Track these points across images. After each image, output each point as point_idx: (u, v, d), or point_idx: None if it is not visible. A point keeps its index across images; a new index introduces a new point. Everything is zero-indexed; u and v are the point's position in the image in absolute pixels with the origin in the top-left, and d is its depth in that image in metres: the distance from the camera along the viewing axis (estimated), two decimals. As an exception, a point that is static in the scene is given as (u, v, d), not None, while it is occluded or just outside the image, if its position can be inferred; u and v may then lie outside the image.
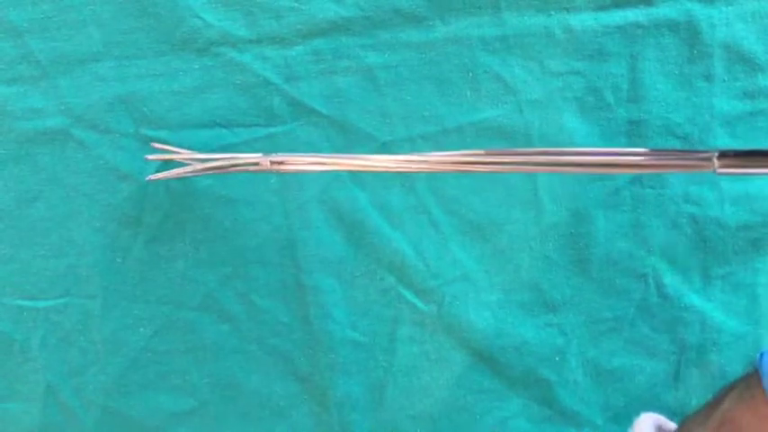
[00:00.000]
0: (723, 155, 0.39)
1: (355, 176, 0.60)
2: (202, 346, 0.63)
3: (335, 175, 0.60)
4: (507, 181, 0.60)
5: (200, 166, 0.49)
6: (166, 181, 0.59)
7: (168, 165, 0.55)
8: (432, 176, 0.60)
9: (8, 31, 0.57)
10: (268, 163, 0.46)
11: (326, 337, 0.63)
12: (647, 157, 0.41)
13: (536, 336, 0.62)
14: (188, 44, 0.58)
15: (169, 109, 0.59)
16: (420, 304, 0.62)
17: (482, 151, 0.45)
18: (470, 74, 0.58)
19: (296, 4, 0.57)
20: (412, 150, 0.59)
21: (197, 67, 0.58)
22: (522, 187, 0.60)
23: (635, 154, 0.41)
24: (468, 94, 0.58)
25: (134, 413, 0.65)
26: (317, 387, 0.64)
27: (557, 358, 0.63)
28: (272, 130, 0.59)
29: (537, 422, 0.64)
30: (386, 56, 0.58)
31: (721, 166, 0.39)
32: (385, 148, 0.59)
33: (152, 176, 0.52)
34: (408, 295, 0.62)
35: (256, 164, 0.46)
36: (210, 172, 0.48)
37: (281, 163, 0.46)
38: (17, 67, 0.58)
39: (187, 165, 0.54)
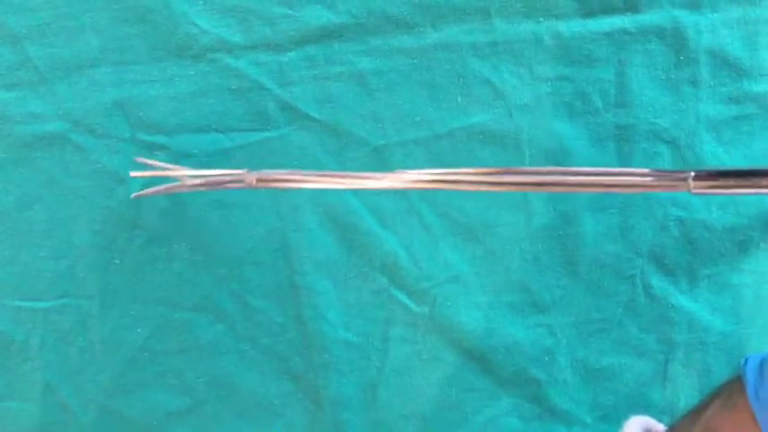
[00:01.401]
0: (698, 176, 0.40)
1: (348, 180, 0.60)
2: (198, 345, 0.64)
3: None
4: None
5: (187, 182, 0.49)
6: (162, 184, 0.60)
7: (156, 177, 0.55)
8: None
9: (7, 37, 0.58)
10: (254, 180, 0.46)
11: (320, 337, 0.63)
12: (623, 177, 0.42)
13: (526, 336, 0.63)
14: (184, 50, 0.58)
15: (165, 114, 0.59)
16: (412, 305, 0.63)
17: (470, 170, 0.45)
18: (461, 79, 0.58)
19: (290, 12, 0.57)
20: (404, 154, 0.60)
21: (193, 72, 0.59)
22: (511, 190, 0.60)
23: (614, 174, 0.42)
24: (459, 99, 0.59)
25: (131, 412, 0.65)
26: (311, 386, 0.64)
27: (546, 358, 0.63)
28: (266, 134, 0.60)
29: (527, 420, 0.65)
30: (378, 62, 0.58)
31: (696, 187, 0.40)
32: (377, 153, 0.60)
33: (137, 194, 0.51)
34: (400, 296, 0.63)
35: (241, 180, 0.46)
36: (196, 189, 0.47)
37: (265, 180, 0.46)
38: (16, 73, 0.59)
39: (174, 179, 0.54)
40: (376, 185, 0.45)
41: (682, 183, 0.40)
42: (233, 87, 0.59)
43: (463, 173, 0.43)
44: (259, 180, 0.45)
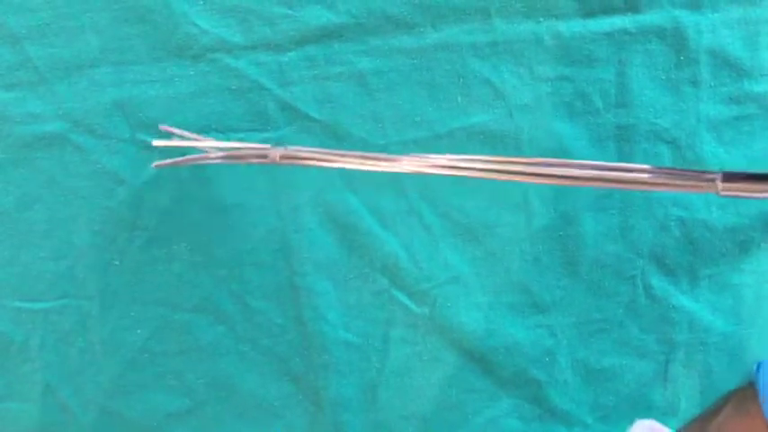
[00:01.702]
0: (727, 177, 0.39)
1: (348, 180, 0.60)
2: (198, 347, 0.64)
3: (329, 178, 0.60)
4: (497, 184, 0.60)
5: (211, 154, 0.48)
6: (162, 184, 0.60)
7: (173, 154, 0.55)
8: (423, 180, 0.61)
9: (6, 37, 0.58)
10: (277, 156, 0.46)
11: (320, 338, 0.63)
12: (650, 175, 0.41)
13: (526, 336, 0.63)
14: (184, 50, 0.58)
15: (165, 114, 0.59)
16: (412, 306, 0.63)
17: (483, 157, 0.45)
18: (461, 79, 0.58)
19: (289, 12, 0.57)
20: (404, 153, 0.59)
21: (193, 72, 0.59)
22: (512, 190, 0.60)
23: (639, 171, 0.41)
24: (459, 99, 0.59)
25: (131, 413, 0.65)
26: (311, 387, 0.64)
27: (547, 358, 0.63)
28: (266, 134, 0.60)
29: (528, 421, 0.65)
30: (378, 62, 0.58)
31: (724, 189, 0.39)
32: (377, 151, 0.60)
33: (159, 163, 0.50)
34: (401, 297, 0.63)
35: (265, 156, 0.45)
36: (220, 162, 0.47)
37: (289, 157, 0.45)
38: (15, 73, 0.59)
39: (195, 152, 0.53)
40: (393, 168, 0.44)
41: (709, 184, 0.39)
42: (233, 87, 0.59)
43: (478, 160, 0.43)
44: (283, 157, 0.45)
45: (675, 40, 0.57)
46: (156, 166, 0.51)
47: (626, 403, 0.64)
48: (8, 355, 0.64)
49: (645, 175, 0.40)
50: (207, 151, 0.47)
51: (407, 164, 0.43)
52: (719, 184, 0.39)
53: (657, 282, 0.61)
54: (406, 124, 0.59)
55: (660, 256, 0.61)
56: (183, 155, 0.54)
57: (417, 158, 0.44)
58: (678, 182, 0.40)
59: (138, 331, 0.64)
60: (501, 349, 0.63)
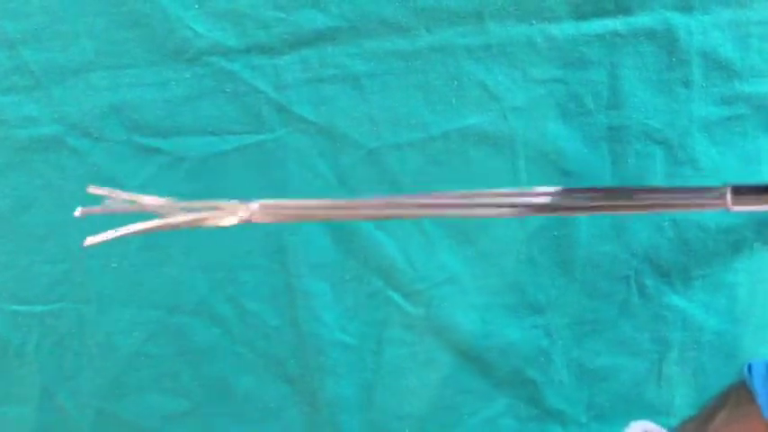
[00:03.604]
0: (736, 191, 0.39)
1: (343, 181, 0.60)
2: (195, 349, 0.64)
3: (324, 179, 0.60)
4: (492, 186, 0.61)
5: (149, 224, 0.42)
6: (159, 187, 0.60)
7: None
8: (419, 181, 0.61)
9: (2, 42, 0.58)
10: (247, 215, 0.42)
11: (316, 339, 0.63)
12: (661, 195, 0.40)
13: (521, 337, 0.63)
14: (179, 54, 0.59)
15: (161, 117, 0.60)
16: (408, 307, 0.63)
17: (450, 194, 0.44)
18: (455, 82, 0.59)
19: (284, 15, 0.58)
20: (399, 156, 0.60)
21: (188, 76, 0.59)
22: (506, 192, 0.61)
23: (649, 191, 0.40)
24: (453, 101, 0.59)
25: (128, 415, 0.65)
26: (307, 388, 0.65)
27: (542, 358, 0.64)
28: (261, 137, 0.60)
29: (523, 421, 0.65)
30: (372, 64, 0.59)
31: (735, 203, 0.39)
32: (372, 155, 0.60)
33: (90, 240, 0.43)
34: (396, 298, 0.63)
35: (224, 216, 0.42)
36: (162, 229, 0.41)
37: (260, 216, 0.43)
38: (12, 77, 0.59)
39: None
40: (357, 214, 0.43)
41: (720, 200, 0.39)
42: (228, 90, 0.59)
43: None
44: (250, 217, 0.42)
45: (667, 41, 0.58)
46: (87, 244, 0.45)
47: (621, 402, 0.64)
48: (5, 359, 0.64)
49: (654, 198, 0.40)
50: (166, 214, 0.43)
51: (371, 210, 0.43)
52: (729, 198, 0.38)
53: (651, 282, 0.62)
54: (400, 126, 0.60)
55: (654, 256, 0.61)
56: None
57: (384, 201, 0.44)
58: (688, 200, 0.39)
59: (135, 334, 0.64)
60: (496, 349, 0.64)
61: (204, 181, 0.60)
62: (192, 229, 0.61)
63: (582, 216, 0.61)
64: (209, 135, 0.60)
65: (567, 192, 0.42)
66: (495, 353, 0.64)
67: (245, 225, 0.61)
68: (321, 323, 0.63)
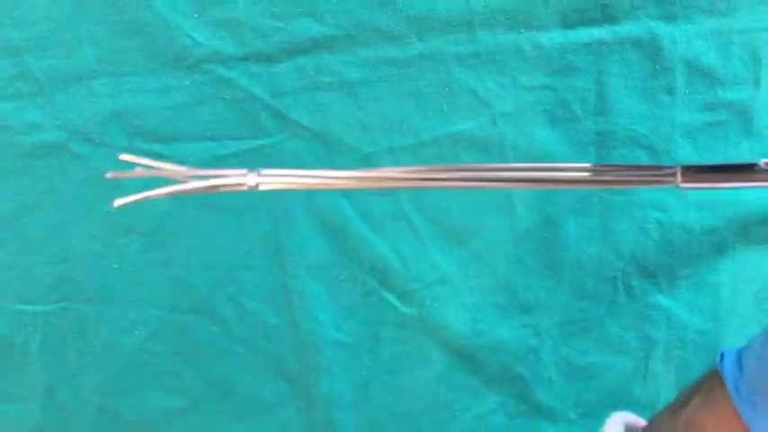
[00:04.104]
0: (686, 170, 0.40)
1: (339, 185, 0.62)
2: (195, 347, 0.65)
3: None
4: (483, 189, 0.61)
5: (171, 189, 0.42)
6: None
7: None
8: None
9: (7, 49, 0.59)
10: (254, 183, 0.43)
11: (313, 338, 0.64)
12: (614, 173, 0.41)
13: (512, 336, 0.64)
14: (179, 61, 0.60)
15: (161, 123, 0.61)
16: (401, 307, 0.64)
17: (457, 166, 0.45)
18: (446, 88, 0.60)
19: (280, 24, 0.59)
20: (392, 161, 0.61)
21: (187, 83, 0.60)
22: (496, 194, 0.62)
23: (602, 170, 0.41)
24: (444, 107, 0.60)
25: (130, 412, 0.66)
26: (304, 386, 0.66)
27: (531, 357, 0.65)
28: (258, 142, 0.61)
29: (513, 417, 0.66)
30: (366, 72, 0.60)
31: (684, 181, 0.40)
32: (366, 159, 0.61)
33: (121, 200, 0.42)
34: (390, 298, 0.64)
35: (242, 183, 0.42)
36: (184, 194, 0.42)
37: (266, 182, 0.44)
38: (16, 84, 0.60)
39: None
40: (363, 184, 0.43)
41: (670, 178, 0.40)
42: (226, 97, 0.60)
43: (436, 169, 0.43)
44: (258, 183, 0.43)
45: (651, 50, 0.59)
46: (117, 205, 0.43)
47: (608, 399, 0.65)
48: (9, 357, 0.65)
49: (607, 175, 0.41)
50: (184, 181, 0.43)
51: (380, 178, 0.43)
52: (680, 177, 0.39)
53: (637, 282, 0.63)
54: (393, 132, 0.61)
55: (639, 257, 0.63)
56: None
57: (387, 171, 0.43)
58: (640, 177, 0.41)
59: (136, 333, 0.65)
60: (487, 348, 0.65)
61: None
62: (192, 230, 0.63)
63: (568, 220, 0.62)
64: (208, 140, 0.61)
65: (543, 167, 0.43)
66: (485, 351, 0.65)
67: (242, 227, 0.62)
68: (318, 322, 0.64)
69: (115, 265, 0.63)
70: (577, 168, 0.42)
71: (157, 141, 0.61)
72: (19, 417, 0.66)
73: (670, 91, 0.59)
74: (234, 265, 0.64)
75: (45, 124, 0.61)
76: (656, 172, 0.41)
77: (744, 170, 0.39)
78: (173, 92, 0.60)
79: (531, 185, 0.44)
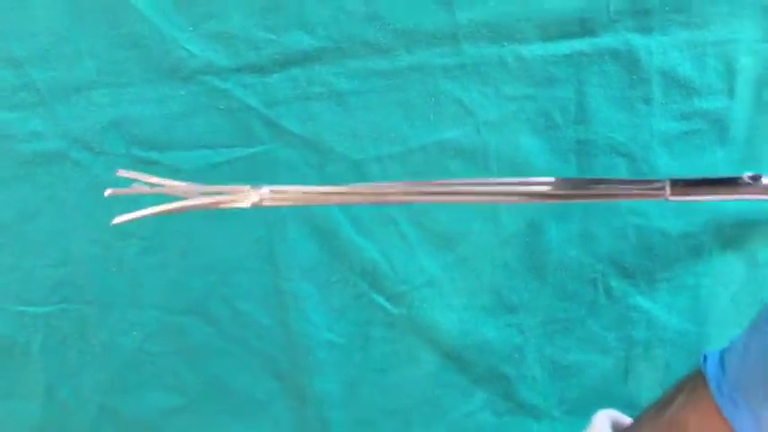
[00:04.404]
0: (675, 183, 0.41)
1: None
2: (191, 347, 0.66)
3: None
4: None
5: (172, 206, 0.44)
6: (157, 195, 0.62)
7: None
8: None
9: (10, 61, 0.61)
10: (255, 200, 0.44)
11: (305, 338, 0.66)
12: (605, 186, 0.43)
13: (497, 335, 0.66)
14: (175, 73, 0.61)
15: (158, 132, 0.62)
16: (391, 308, 0.65)
17: (439, 182, 0.46)
18: (433, 98, 0.61)
19: (273, 37, 0.60)
20: (381, 168, 0.62)
21: (183, 93, 0.61)
22: (481, 200, 0.63)
23: (594, 183, 0.43)
24: (431, 116, 0.62)
25: (128, 410, 0.67)
26: (297, 385, 0.67)
27: (516, 356, 0.66)
28: (252, 150, 0.62)
29: (499, 415, 0.67)
30: (356, 82, 0.61)
31: (673, 194, 0.41)
32: (355, 166, 0.62)
33: (120, 218, 0.44)
34: (380, 300, 0.65)
35: (241, 200, 0.44)
36: (185, 210, 0.44)
37: (268, 200, 0.45)
38: (18, 95, 0.61)
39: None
40: (353, 199, 0.44)
41: (659, 191, 0.41)
42: (221, 107, 0.62)
43: (425, 185, 0.44)
44: (258, 202, 0.44)
45: (629, 61, 0.60)
46: (116, 222, 0.44)
47: (590, 396, 0.66)
48: (11, 357, 0.66)
49: (599, 188, 0.42)
50: (184, 197, 0.44)
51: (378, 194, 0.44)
52: (668, 190, 0.41)
53: (617, 284, 0.65)
54: (382, 140, 0.62)
55: (619, 260, 0.64)
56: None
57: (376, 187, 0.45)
58: (630, 191, 0.42)
59: (134, 333, 0.66)
60: (474, 347, 0.66)
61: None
62: (188, 234, 0.64)
63: (551, 224, 0.64)
64: (203, 148, 0.62)
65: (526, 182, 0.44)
66: (472, 351, 0.66)
67: (237, 231, 0.64)
68: (309, 323, 0.65)
69: (114, 269, 0.64)
70: (567, 182, 0.43)
71: (154, 149, 0.62)
72: (21, 414, 0.67)
73: (647, 101, 0.61)
74: (228, 268, 0.65)
75: (46, 133, 0.62)
76: (646, 186, 0.42)
77: (728, 183, 0.40)
78: (169, 102, 0.61)
79: (519, 199, 0.44)
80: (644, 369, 0.66)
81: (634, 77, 0.61)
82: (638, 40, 0.60)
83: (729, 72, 0.60)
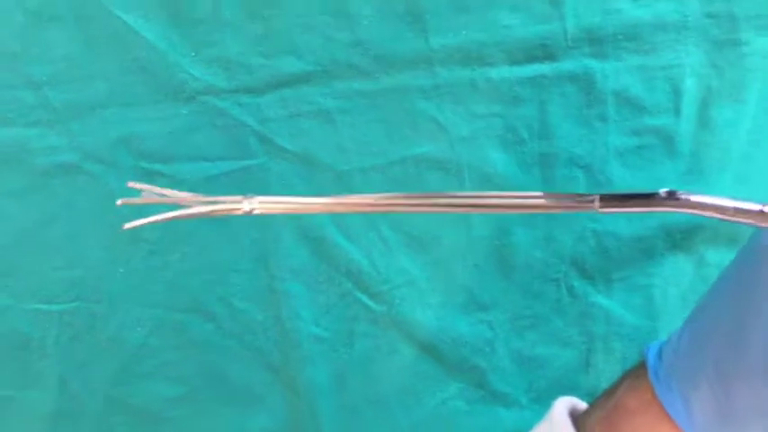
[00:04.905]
0: (603, 197, 0.43)
1: (318, 200, 0.65)
2: (191, 342, 0.68)
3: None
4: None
5: (176, 213, 0.44)
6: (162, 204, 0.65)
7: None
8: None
9: (29, 83, 0.63)
10: (250, 208, 0.44)
11: (295, 333, 0.68)
12: (542, 200, 0.43)
13: (470, 330, 0.69)
14: (178, 94, 0.63)
15: (163, 146, 0.64)
16: (373, 305, 0.68)
17: (421, 194, 0.45)
18: (410, 116, 0.64)
19: (266, 61, 0.63)
20: (364, 178, 0.65)
21: (185, 112, 0.64)
22: (455, 208, 0.67)
23: (532, 197, 0.44)
24: (409, 132, 0.65)
25: (134, 400, 0.70)
26: (289, 376, 0.69)
27: (487, 349, 0.69)
28: (247, 162, 0.65)
29: (472, 403, 0.70)
30: (341, 102, 0.64)
31: (602, 206, 0.42)
32: (341, 177, 0.65)
33: (128, 225, 0.43)
34: (363, 298, 0.68)
35: (238, 209, 0.44)
36: (187, 217, 0.44)
37: (261, 208, 0.44)
38: (37, 113, 0.63)
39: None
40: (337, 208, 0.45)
41: (590, 204, 0.43)
42: (219, 124, 0.64)
43: (398, 197, 0.44)
44: (254, 209, 0.44)
45: (586, 83, 0.64)
46: (126, 228, 0.44)
47: (555, 386, 0.70)
48: (27, 351, 0.68)
49: (537, 201, 0.43)
50: (187, 206, 0.44)
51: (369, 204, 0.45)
52: (597, 203, 0.43)
53: (578, 283, 0.68)
54: (365, 153, 0.65)
55: (579, 261, 0.68)
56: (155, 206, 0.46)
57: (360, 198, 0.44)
58: (564, 204, 0.43)
59: (139, 329, 0.68)
60: (449, 341, 0.69)
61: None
62: (188, 239, 0.66)
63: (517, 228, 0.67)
64: (202, 161, 0.65)
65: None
66: (447, 344, 0.69)
67: (233, 236, 0.66)
68: (300, 319, 0.68)
69: (122, 270, 0.67)
70: (514, 196, 0.44)
71: (159, 162, 0.65)
72: (35, 404, 0.69)
73: (603, 118, 0.64)
74: (225, 269, 0.67)
75: (62, 147, 0.64)
76: (578, 199, 0.43)
77: (648, 197, 0.42)
78: (173, 120, 0.64)
79: (478, 210, 0.45)
80: (603, 361, 0.69)
81: (591, 98, 0.63)
82: (594, 64, 0.63)
83: (676, 93, 0.63)
